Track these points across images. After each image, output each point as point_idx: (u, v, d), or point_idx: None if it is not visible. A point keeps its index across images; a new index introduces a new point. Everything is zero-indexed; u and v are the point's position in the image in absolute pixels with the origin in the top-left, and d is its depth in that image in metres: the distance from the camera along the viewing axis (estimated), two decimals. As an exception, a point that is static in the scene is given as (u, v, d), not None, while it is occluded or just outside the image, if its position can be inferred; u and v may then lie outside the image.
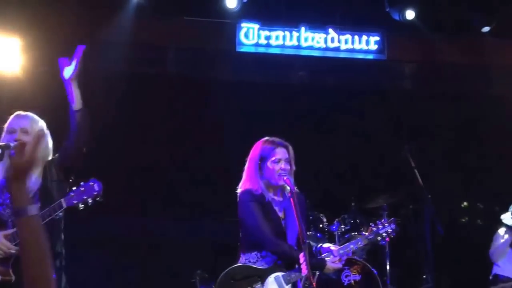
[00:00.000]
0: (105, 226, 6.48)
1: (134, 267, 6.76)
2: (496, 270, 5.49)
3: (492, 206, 7.23)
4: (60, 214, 3.68)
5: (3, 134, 3.70)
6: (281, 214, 4.24)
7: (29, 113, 3.82)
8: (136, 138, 6.95)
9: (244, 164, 4.08)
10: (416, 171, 6.01)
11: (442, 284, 6.24)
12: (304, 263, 4.22)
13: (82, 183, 3.57)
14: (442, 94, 7.54)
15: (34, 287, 1.68)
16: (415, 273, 6.55)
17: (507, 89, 7.27)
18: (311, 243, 4.58)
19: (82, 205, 3.59)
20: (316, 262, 4.12)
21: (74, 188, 3.58)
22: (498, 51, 7.22)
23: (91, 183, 3.61)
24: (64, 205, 3.58)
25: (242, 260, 4.13)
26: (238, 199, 4.10)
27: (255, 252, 4.10)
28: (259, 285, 4.06)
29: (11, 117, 3.75)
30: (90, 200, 3.59)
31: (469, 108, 7.38)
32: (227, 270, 4.05)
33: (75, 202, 3.59)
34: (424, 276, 6.27)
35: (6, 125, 3.73)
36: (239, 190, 4.13)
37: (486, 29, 6.78)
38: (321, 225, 6.60)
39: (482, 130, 7.44)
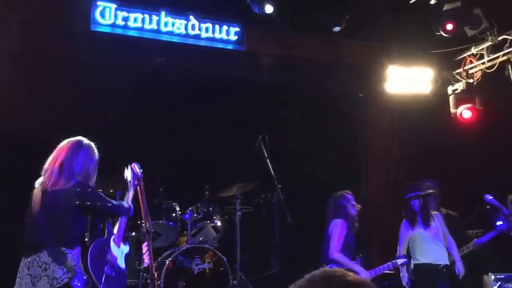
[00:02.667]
0: None
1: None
2: None
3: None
4: None
5: None
6: None
7: None
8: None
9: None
10: (268, 161, 6.16)
11: (287, 270, 6.47)
12: (147, 252, 4.16)
13: None
14: (295, 88, 7.83)
15: None
16: (263, 259, 6.73)
17: (350, 86, 7.76)
18: None
19: None
20: None
21: None
22: (346, 50, 7.65)
23: None
24: None
25: None
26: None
27: None
28: None
29: None
30: None
31: (319, 103, 7.75)
32: None
33: None
34: (272, 262, 6.47)
35: None
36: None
37: (337, 29, 7.13)
38: (174, 214, 6.55)
39: (331, 124, 7.86)
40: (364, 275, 5.52)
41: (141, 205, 4.02)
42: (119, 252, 4.21)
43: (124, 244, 4.28)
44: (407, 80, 7.86)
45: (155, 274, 4.03)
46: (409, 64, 7.83)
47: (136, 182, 4.16)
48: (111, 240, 4.16)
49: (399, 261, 5.77)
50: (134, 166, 4.20)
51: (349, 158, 8.23)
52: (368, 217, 8.19)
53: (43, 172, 4.00)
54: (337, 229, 5.68)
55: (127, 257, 5.98)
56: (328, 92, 7.92)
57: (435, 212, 6.09)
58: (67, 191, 3.87)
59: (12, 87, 6.43)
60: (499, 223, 6.33)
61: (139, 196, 4.06)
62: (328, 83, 7.83)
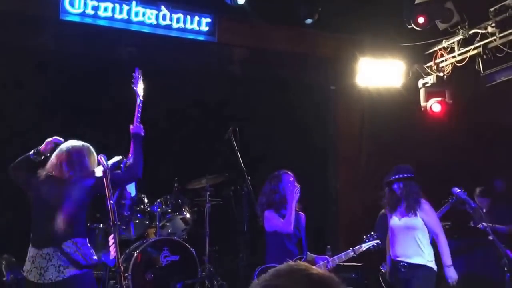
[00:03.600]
0: None
1: None
2: None
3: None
4: None
5: None
6: None
7: None
8: None
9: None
10: (238, 153, 6.14)
11: (256, 262, 6.49)
12: (114, 245, 4.13)
13: None
14: (267, 80, 7.82)
15: None
16: (232, 251, 6.74)
17: (322, 78, 7.78)
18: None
19: None
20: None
21: None
22: (318, 42, 7.66)
23: None
24: None
25: None
26: None
27: None
28: None
29: None
30: None
31: (290, 94, 7.76)
32: None
33: None
34: (241, 255, 6.47)
35: None
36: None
37: (309, 21, 7.13)
38: (142, 206, 6.50)
39: (302, 117, 7.87)
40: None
41: (107, 198, 3.98)
42: None
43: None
44: (378, 73, 7.89)
45: (122, 266, 4.01)
46: (381, 56, 7.87)
47: (102, 174, 4.12)
48: None
49: (364, 246, 5.16)
50: (101, 157, 4.15)
51: (319, 150, 8.27)
52: (336, 209, 8.27)
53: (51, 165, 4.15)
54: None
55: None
56: (299, 84, 7.93)
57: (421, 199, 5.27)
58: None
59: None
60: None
61: (105, 188, 4.02)
62: (300, 75, 7.84)
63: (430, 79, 7.77)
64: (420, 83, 7.86)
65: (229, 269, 6.63)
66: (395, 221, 5.24)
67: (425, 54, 7.88)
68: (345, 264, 5.75)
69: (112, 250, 4.52)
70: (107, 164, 4.11)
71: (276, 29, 7.47)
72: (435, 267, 5.11)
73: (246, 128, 6.60)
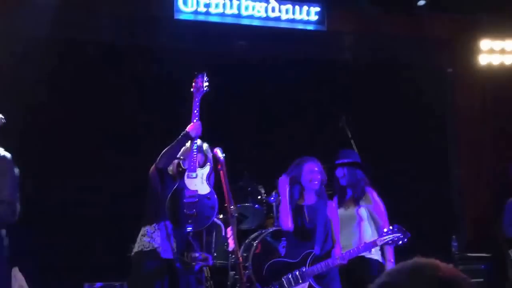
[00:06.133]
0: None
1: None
2: None
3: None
4: None
5: None
6: None
7: None
8: (65, 110, 6.69)
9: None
10: (352, 141, 6.07)
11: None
12: (232, 236, 4.24)
13: None
14: (379, 66, 7.62)
15: None
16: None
17: (438, 61, 7.43)
18: None
19: None
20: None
21: None
22: (432, 24, 7.33)
23: None
24: None
25: None
26: None
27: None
28: None
29: None
30: None
31: (405, 80, 7.49)
32: None
33: None
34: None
35: None
36: None
37: (421, 2, 6.85)
38: (259, 197, 6.60)
39: (418, 101, 7.58)
40: None
41: (225, 189, 4.09)
42: (198, 180, 4.21)
43: (202, 167, 4.28)
44: (499, 53, 7.42)
45: (241, 258, 4.10)
46: (502, 36, 7.38)
47: (219, 167, 4.23)
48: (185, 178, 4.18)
49: (380, 240, 4.41)
50: (216, 151, 4.26)
51: (437, 137, 7.89)
52: (460, 196, 7.89)
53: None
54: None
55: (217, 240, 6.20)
56: (414, 68, 7.62)
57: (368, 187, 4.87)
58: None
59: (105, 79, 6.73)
60: None
61: (223, 181, 4.13)
62: (413, 59, 7.54)
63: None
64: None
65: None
66: (341, 211, 4.85)
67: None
68: (473, 255, 5.48)
69: (230, 242, 4.65)
70: (222, 157, 4.22)
71: (385, 13, 7.24)
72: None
73: (359, 115, 6.51)
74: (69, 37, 6.64)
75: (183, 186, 4.15)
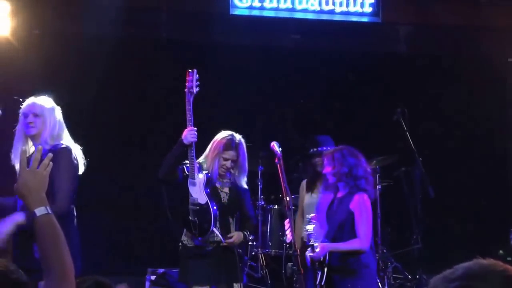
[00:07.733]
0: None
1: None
2: None
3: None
4: None
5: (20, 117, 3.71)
6: None
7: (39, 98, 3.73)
8: (126, 105, 6.96)
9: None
10: (408, 134, 6.06)
11: (430, 245, 6.37)
12: (290, 229, 4.34)
13: None
14: (436, 58, 7.51)
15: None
16: (405, 234, 6.66)
17: (496, 52, 7.24)
18: None
19: None
20: None
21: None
22: (492, 13, 7.13)
23: None
24: None
25: None
26: None
27: None
28: None
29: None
30: None
31: (463, 71, 7.37)
32: None
33: None
34: (414, 237, 6.39)
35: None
36: None
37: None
38: (313, 188, 6.68)
39: (476, 93, 7.44)
40: None
41: (282, 183, 4.20)
42: (199, 182, 4.21)
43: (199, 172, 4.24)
44: None
45: (298, 250, 4.18)
46: None
47: (276, 161, 4.33)
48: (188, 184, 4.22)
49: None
50: (273, 145, 4.36)
51: (499, 128, 7.70)
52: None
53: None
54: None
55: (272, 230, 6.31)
56: (472, 58, 7.47)
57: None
58: None
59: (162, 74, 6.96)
60: None
61: (280, 174, 4.24)
62: (472, 49, 7.36)
63: None
64: None
65: (403, 252, 6.54)
66: (313, 198, 4.79)
67: None
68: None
69: (288, 234, 4.76)
70: (279, 151, 4.32)
71: (443, 3, 7.10)
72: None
73: (414, 108, 6.47)
74: (127, 35, 6.86)
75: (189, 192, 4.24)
